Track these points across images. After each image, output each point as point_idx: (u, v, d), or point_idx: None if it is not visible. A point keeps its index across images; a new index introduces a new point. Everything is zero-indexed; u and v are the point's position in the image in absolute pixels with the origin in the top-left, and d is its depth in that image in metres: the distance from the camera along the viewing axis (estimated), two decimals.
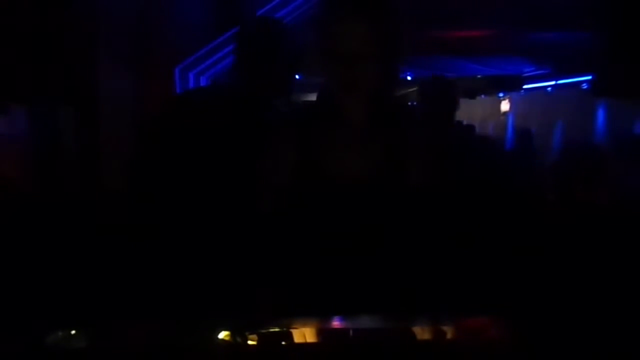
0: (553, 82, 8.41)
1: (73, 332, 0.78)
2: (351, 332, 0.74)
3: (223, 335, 0.66)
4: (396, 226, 0.90)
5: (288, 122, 1.38)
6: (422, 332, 0.72)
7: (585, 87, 7.22)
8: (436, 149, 1.38)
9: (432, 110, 2.68)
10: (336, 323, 0.74)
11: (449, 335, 0.72)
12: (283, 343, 0.68)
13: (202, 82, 5.97)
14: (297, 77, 1.93)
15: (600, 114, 6.98)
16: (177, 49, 4.72)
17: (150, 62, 4.44)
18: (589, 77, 6.81)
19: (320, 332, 0.73)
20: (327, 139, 1.33)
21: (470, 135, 3.02)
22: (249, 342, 0.67)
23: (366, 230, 0.94)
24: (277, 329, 0.71)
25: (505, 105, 9.92)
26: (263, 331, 0.70)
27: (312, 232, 0.83)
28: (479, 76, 9.16)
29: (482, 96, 9.76)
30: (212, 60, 5.23)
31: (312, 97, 1.43)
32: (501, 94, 9.81)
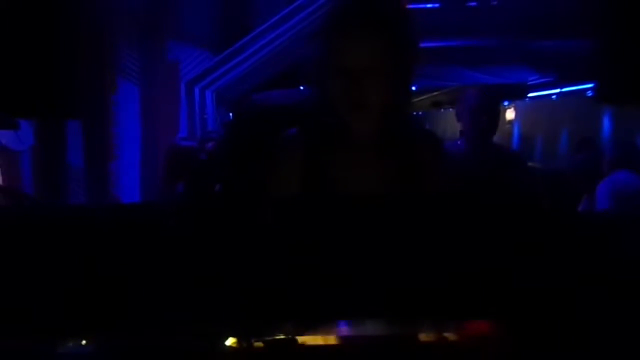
0: (558, 90, 8.40)
1: (83, 341, 0.79)
2: (359, 338, 0.75)
3: (230, 342, 0.67)
4: (406, 239, 0.89)
5: (295, 140, 1.31)
6: (427, 338, 0.73)
7: (590, 94, 7.21)
8: (447, 168, 1.33)
9: (474, 124, 2.63)
10: (343, 329, 0.75)
11: (453, 341, 0.73)
12: (289, 350, 0.69)
13: (208, 96, 6.03)
14: None
15: (606, 121, 6.97)
16: (183, 63, 4.77)
17: (156, 76, 4.48)
18: (594, 84, 6.80)
19: (327, 339, 0.74)
20: (336, 157, 1.27)
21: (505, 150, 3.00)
22: (255, 349, 0.68)
23: (374, 242, 0.93)
24: (282, 336, 0.72)
25: (510, 114, 9.92)
26: (269, 338, 0.71)
27: (317, 243, 0.83)
28: (483, 85, 9.18)
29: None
30: (217, 74, 5.28)
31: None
32: (506, 103, 9.82)
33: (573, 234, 0.77)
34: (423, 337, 0.75)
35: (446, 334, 0.75)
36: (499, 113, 2.78)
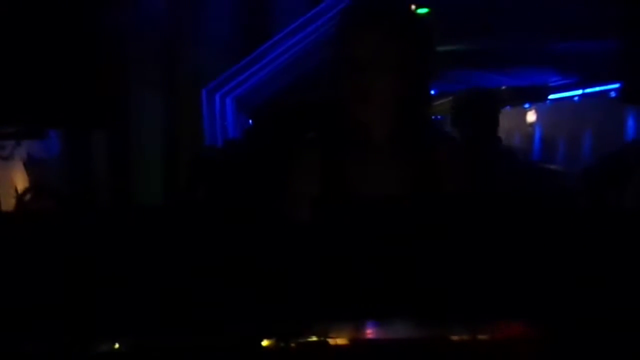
0: (580, 92, 8.29)
1: (116, 344, 0.81)
2: (389, 340, 0.75)
3: (265, 342, 0.68)
4: (427, 239, 0.89)
5: (314, 143, 1.34)
6: (458, 339, 0.73)
7: (613, 95, 7.10)
8: (470, 169, 1.32)
9: (469, 126, 2.60)
10: (370, 331, 0.76)
11: (481, 341, 0.73)
12: (321, 351, 0.70)
13: (228, 103, 6.08)
14: None
15: (630, 122, 6.85)
16: (204, 71, 4.82)
17: (178, 85, 4.54)
18: (617, 85, 6.71)
19: (355, 341, 0.75)
20: (355, 159, 1.28)
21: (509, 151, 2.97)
22: (290, 349, 0.69)
23: (396, 243, 0.94)
24: (314, 338, 0.73)
25: (531, 116, 9.81)
26: (301, 339, 0.72)
27: (342, 243, 0.84)
28: (504, 87, 9.11)
29: (508, 107, 9.69)
30: (237, 81, 5.33)
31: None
32: (527, 105, 9.71)
33: (606, 233, 0.77)
34: (455, 338, 0.75)
35: (479, 336, 0.75)
36: (491, 115, 2.70)
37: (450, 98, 2.97)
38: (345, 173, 1.28)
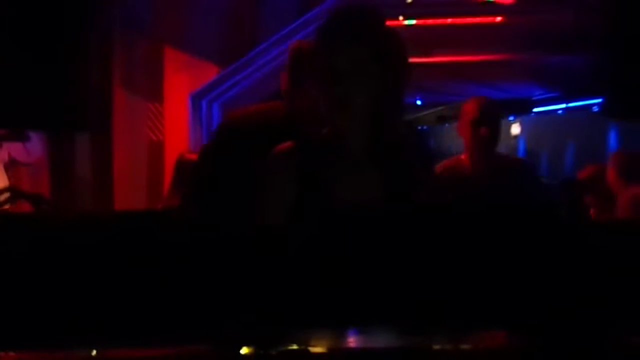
0: (564, 105, 8.42)
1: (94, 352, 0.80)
2: (372, 349, 0.75)
3: (244, 350, 0.67)
4: (405, 248, 0.91)
5: (290, 153, 1.36)
6: (441, 349, 0.73)
7: (596, 109, 7.21)
8: (435, 179, 1.38)
9: (475, 136, 2.65)
10: (351, 341, 0.76)
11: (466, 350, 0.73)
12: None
13: (215, 109, 6.07)
14: None
15: (612, 136, 6.96)
16: (191, 76, 4.81)
17: (163, 89, 4.53)
18: (600, 100, 6.82)
19: (339, 350, 0.75)
20: (331, 169, 1.32)
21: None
22: (270, 357, 0.69)
23: (374, 252, 0.95)
24: (295, 346, 0.73)
25: (515, 129, 9.92)
26: (282, 347, 0.71)
27: (319, 253, 0.84)
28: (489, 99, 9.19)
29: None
30: (224, 87, 5.32)
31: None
32: (511, 118, 9.82)
33: (591, 244, 0.77)
34: (437, 348, 0.75)
35: (461, 345, 0.75)
36: (499, 124, 2.79)
37: (440, 108, 3.05)
38: (321, 182, 1.31)
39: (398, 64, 1.33)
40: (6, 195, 2.37)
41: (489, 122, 2.73)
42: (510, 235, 0.80)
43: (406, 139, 1.43)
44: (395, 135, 1.35)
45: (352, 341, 0.76)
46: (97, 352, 0.75)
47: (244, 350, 0.68)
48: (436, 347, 0.74)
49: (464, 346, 0.74)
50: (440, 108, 13.60)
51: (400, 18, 5.38)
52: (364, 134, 1.33)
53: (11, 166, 3.35)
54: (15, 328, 0.79)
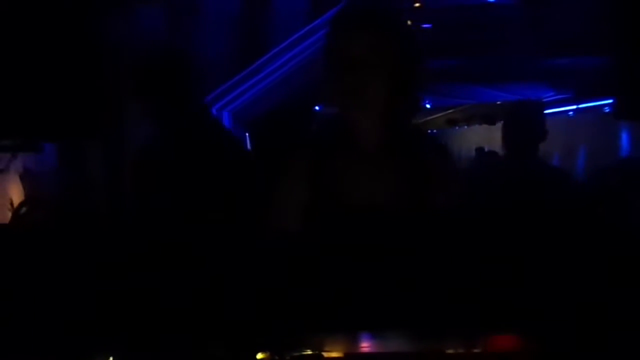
0: (574, 107, 8.36)
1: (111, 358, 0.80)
2: (385, 353, 0.75)
3: (260, 355, 0.68)
4: (419, 249, 0.90)
5: (302, 150, 1.36)
6: (453, 352, 0.73)
7: (607, 110, 7.15)
8: (456, 176, 1.34)
9: (519, 137, 2.62)
10: (365, 345, 0.76)
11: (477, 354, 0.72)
12: None
13: (225, 116, 6.09)
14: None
15: (623, 137, 6.89)
16: (201, 84, 4.83)
17: (174, 97, 4.55)
18: (611, 101, 6.76)
19: (352, 354, 0.75)
20: (345, 165, 1.30)
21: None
22: None
23: (387, 252, 0.94)
24: (309, 352, 0.73)
25: None
26: (296, 353, 0.72)
27: (333, 254, 0.84)
28: (499, 102, 9.17)
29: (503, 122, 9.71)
30: (234, 94, 5.35)
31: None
32: None
33: (598, 244, 0.77)
34: (449, 351, 0.75)
35: (473, 349, 0.74)
36: (538, 127, 2.73)
37: (449, 112, 3.02)
38: (335, 180, 1.30)
39: (412, 55, 1.31)
40: (25, 208, 2.39)
41: (529, 124, 2.70)
42: (528, 237, 0.80)
43: (419, 134, 1.42)
44: (408, 130, 1.34)
45: (366, 345, 0.77)
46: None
47: (260, 355, 0.68)
48: (449, 350, 0.74)
49: (476, 350, 0.74)
50: (449, 111, 13.56)
51: (408, 22, 5.39)
52: (377, 128, 1.30)
53: (25, 176, 3.38)
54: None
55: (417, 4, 5.32)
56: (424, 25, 5.35)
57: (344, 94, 1.27)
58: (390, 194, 1.27)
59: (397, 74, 1.27)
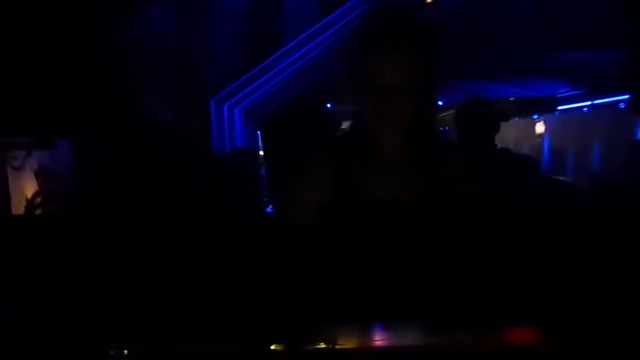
0: (589, 103, 8.27)
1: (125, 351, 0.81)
2: (400, 346, 0.75)
3: (274, 346, 0.68)
4: (438, 243, 0.90)
5: (325, 151, 1.35)
6: (469, 345, 0.73)
7: (622, 106, 7.07)
8: (474, 176, 1.33)
9: (471, 133, 2.65)
10: (379, 338, 0.76)
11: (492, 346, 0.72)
12: (329, 357, 0.70)
13: (236, 113, 6.12)
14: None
15: (639, 133, 6.81)
16: (212, 81, 4.85)
17: (186, 95, 4.57)
18: (626, 96, 6.68)
19: (366, 347, 0.74)
20: (366, 170, 1.30)
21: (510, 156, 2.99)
22: (299, 353, 0.69)
23: (408, 248, 0.94)
24: (323, 345, 0.73)
25: (540, 127, 9.78)
26: (309, 346, 0.71)
27: (352, 249, 0.84)
28: (512, 98, 9.10)
29: (516, 118, 9.67)
30: (246, 91, 5.36)
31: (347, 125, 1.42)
32: (536, 116, 9.68)
33: (619, 239, 0.76)
34: (465, 344, 0.74)
35: (489, 341, 0.74)
36: (489, 122, 2.75)
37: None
38: (355, 183, 1.29)
39: (437, 69, 1.27)
40: (40, 198, 2.42)
41: (479, 119, 2.73)
42: (548, 232, 0.79)
43: (439, 140, 1.41)
44: (427, 134, 1.33)
45: (380, 338, 0.76)
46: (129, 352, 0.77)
47: (273, 347, 0.68)
48: (462, 343, 0.74)
49: (488, 342, 0.73)
50: None
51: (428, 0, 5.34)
52: (399, 139, 1.30)
53: (41, 173, 3.42)
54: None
55: (428, 0, 5.28)
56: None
57: (373, 117, 1.24)
58: (410, 197, 1.26)
59: (425, 90, 1.25)
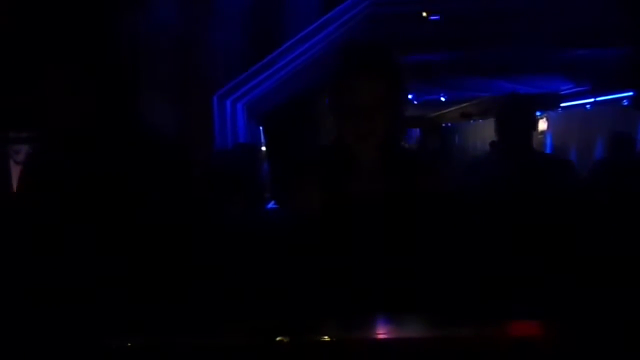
0: (592, 100, 8.25)
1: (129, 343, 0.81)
2: (403, 339, 0.75)
3: (279, 338, 0.68)
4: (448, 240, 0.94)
5: (312, 165, 1.57)
6: (470, 337, 0.73)
7: (625, 103, 7.05)
8: (440, 183, 1.52)
9: (510, 130, 2.64)
10: (381, 330, 0.75)
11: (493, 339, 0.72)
12: (331, 348, 0.70)
13: (239, 108, 6.11)
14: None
15: None
16: (215, 76, 4.85)
17: (188, 90, 4.56)
18: (630, 93, 6.67)
19: (368, 339, 0.74)
20: (343, 181, 1.51)
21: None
22: (303, 345, 0.69)
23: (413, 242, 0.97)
24: (326, 337, 0.73)
25: (542, 124, 9.77)
26: (309, 338, 0.71)
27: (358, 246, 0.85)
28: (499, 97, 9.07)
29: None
30: (248, 86, 5.35)
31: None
32: (538, 113, 9.67)
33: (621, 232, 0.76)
34: (466, 336, 0.74)
35: (491, 334, 0.74)
36: (530, 120, 2.74)
37: (464, 105, 3.03)
38: (334, 189, 1.51)
39: (405, 89, 1.55)
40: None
41: (520, 118, 2.71)
42: (533, 224, 0.79)
43: (408, 154, 1.62)
44: (399, 150, 1.56)
45: (382, 331, 0.76)
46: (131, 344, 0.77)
47: (278, 339, 0.68)
48: (466, 335, 0.73)
49: (490, 334, 0.73)
50: (464, 105, 13.46)
51: (424, 14, 5.34)
52: (374, 152, 1.52)
53: None
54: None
55: (424, 14, 5.28)
56: (432, 17, 5.31)
57: (355, 136, 1.48)
58: (385, 203, 1.48)
59: (394, 110, 1.51)
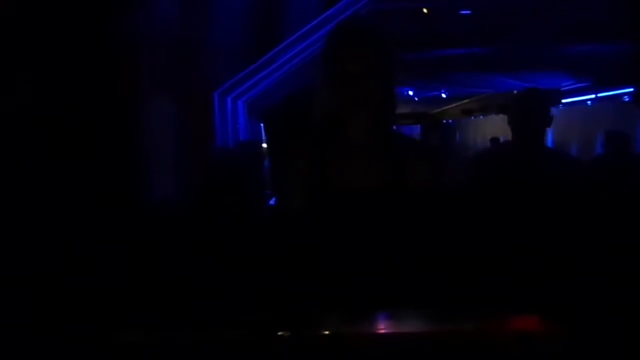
0: (593, 96, 8.24)
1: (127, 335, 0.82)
2: (404, 333, 0.75)
3: (281, 332, 0.69)
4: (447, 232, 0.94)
5: (302, 140, 1.57)
6: (470, 332, 0.73)
7: (626, 99, 7.04)
8: (432, 162, 1.55)
9: (527, 125, 2.61)
10: (382, 325, 0.76)
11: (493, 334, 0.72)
12: (333, 342, 0.71)
13: (239, 106, 6.11)
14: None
15: None
16: (216, 73, 4.85)
17: (189, 87, 4.56)
18: (630, 89, 6.65)
19: (370, 333, 0.75)
20: (335, 156, 1.52)
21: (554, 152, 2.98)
22: (305, 339, 0.70)
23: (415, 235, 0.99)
24: (327, 331, 0.73)
25: None
26: (311, 332, 0.72)
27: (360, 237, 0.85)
28: (515, 91, 9.07)
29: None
30: (249, 84, 5.35)
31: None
32: None
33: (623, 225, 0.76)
34: (467, 331, 0.75)
35: (491, 329, 0.74)
36: (548, 116, 2.71)
37: (465, 101, 3.02)
38: (328, 168, 1.52)
39: (396, 65, 1.56)
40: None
41: (537, 112, 2.69)
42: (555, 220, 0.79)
43: (399, 135, 1.62)
44: (390, 130, 1.57)
45: (382, 326, 0.77)
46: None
47: (279, 333, 0.69)
48: (467, 330, 0.74)
49: (492, 329, 0.74)
50: (465, 101, 13.45)
51: (425, 10, 5.34)
52: (366, 128, 1.53)
53: None
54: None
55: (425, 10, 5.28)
56: (424, 8, 5.29)
57: (341, 101, 1.50)
58: (375, 179, 1.49)
59: (388, 82, 1.53)
